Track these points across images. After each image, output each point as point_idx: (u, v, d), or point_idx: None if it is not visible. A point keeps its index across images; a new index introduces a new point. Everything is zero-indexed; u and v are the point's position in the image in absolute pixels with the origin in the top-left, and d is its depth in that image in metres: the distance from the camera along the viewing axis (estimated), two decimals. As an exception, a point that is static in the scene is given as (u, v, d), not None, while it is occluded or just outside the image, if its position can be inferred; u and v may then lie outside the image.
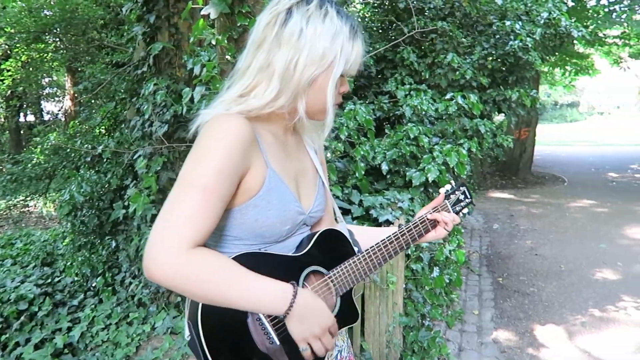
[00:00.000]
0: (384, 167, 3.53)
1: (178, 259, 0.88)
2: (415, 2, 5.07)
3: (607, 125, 34.83)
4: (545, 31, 5.15)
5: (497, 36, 5.14)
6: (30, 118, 16.71)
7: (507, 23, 5.01)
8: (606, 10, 10.12)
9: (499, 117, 5.77)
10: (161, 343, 3.27)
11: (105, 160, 4.29)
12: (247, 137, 1.00)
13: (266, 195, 1.05)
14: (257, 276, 0.98)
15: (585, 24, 9.92)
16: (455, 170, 3.44)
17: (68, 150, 5.07)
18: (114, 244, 4.07)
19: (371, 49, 4.97)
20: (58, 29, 7.38)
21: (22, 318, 3.50)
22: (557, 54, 10.21)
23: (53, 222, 8.12)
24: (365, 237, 1.36)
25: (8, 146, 13.94)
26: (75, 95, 9.45)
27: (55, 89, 14.67)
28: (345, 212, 3.03)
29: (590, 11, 10.44)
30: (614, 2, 10.06)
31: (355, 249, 1.28)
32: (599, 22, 9.99)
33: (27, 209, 8.51)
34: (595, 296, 4.37)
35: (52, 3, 7.63)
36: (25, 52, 8.71)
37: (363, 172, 3.23)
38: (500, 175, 12.07)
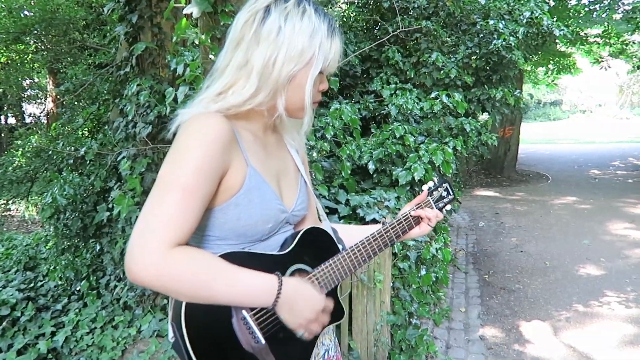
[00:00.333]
0: (371, 167, 3.54)
1: (160, 259, 0.86)
2: (399, 2, 5.09)
3: (589, 123, 35.39)
4: (528, 30, 5.21)
5: (481, 35, 5.18)
6: (12, 120, 16.42)
7: (491, 22, 5.06)
8: (587, 9, 10.28)
9: (483, 116, 5.83)
10: (147, 346, 3.23)
11: (88, 162, 4.22)
12: (226, 136, 1.00)
13: (247, 193, 1.05)
14: (242, 270, 0.97)
15: (566, 23, 10.07)
16: (441, 168, 3.46)
17: (50, 152, 4.99)
18: (98, 247, 4.02)
19: (356, 48, 4.98)
20: (38, 30, 7.25)
21: (4, 323, 3.43)
22: (539, 52, 10.35)
23: (36, 225, 8.00)
24: (349, 235, 1.36)
25: (-12, 149, 13.69)
26: (57, 96, 9.30)
27: (36, 90, 14.43)
28: (332, 211, 3.03)
29: (572, 10, 10.60)
30: (595, 2, 10.22)
31: (340, 246, 1.28)
32: (580, 21, 10.14)
33: (8, 212, 8.36)
34: (580, 292, 4.43)
35: (32, 3, 7.51)
36: (5, 53, 8.56)
37: (349, 172, 3.24)
38: (486, 173, 12.19)
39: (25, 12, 7.64)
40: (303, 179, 1.29)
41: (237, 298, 0.95)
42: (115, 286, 3.85)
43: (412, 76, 4.98)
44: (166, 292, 0.90)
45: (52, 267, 4.40)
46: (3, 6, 7.30)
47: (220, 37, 2.37)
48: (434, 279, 3.83)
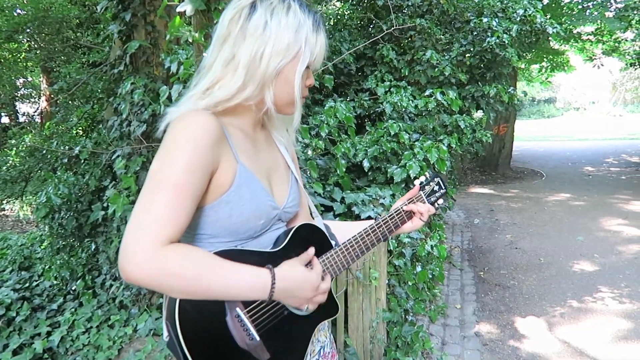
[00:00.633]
0: (366, 164, 3.55)
1: (153, 257, 0.87)
2: (393, 0, 5.09)
3: (583, 121, 35.54)
4: (521, 28, 5.22)
5: (475, 33, 5.19)
6: (5, 120, 16.31)
7: (484, 20, 5.07)
8: (580, 7, 10.32)
9: (478, 114, 5.85)
10: (144, 345, 3.23)
11: (82, 161, 4.20)
12: (215, 133, 1.00)
13: (237, 190, 1.05)
14: (236, 264, 0.97)
15: (559, 20, 10.11)
16: (436, 166, 3.47)
17: (44, 151, 4.96)
18: (93, 246, 4.00)
19: (350, 46, 4.98)
20: (31, 29, 7.21)
21: (-1, 324, 3.42)
22: (533, 50, 10.40)
23: (30, 225, 7.96)
24: (342, 231, 1.38)
25: (-18, 149, 13.59)
26: (51, 95, 9.25)
27: (30, 89, 14.34)
28: (327, 209, 3.03)
29: (565, 8, 10.63)
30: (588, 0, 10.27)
31: (333, 242, 1.28)
32: (573, 19, 10.18)
33: (3, 212, 8.32)
34: (574, 287, 4.46)
35: (24, 2, 7.46)
36: (-2, 52, 8.51)
37: (344, 169, 3.24)
38: (481, 170, 12.24)
39: (18, 11, 7.59)
40: (294, 175, 1.30)
41: (232, 291, 0.95)
42: (111, 285, 3.85)
43: (406, 74, 4.99)
44: (160, 289, 0.90)
45: (47, 267, 4.38)
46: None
47: (214, 35, 2.37)
48: (430, 276, 3.85)
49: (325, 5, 6.37)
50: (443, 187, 1.49)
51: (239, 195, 1.05)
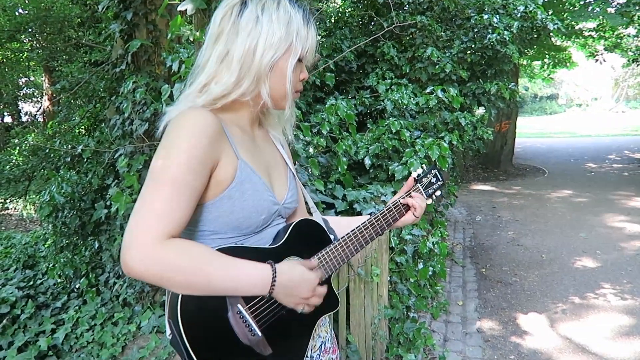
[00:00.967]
0: (367, 162, 3.56)
1: (154, 251, 0.89)
2: (394, -3, 5.09)
3: (586, 117, 35.45)
4: (522, 24, 5.21)
5: (476, 30, 5.19)
6: (8, 119, 16.35)
7: (485, 17, 5.06)
8: (581, 2, 10.29)
9: (480, 111, 5.84)
10: (147, 342, 3.25)
11: (85, 160, 4.23)
12: (214, 129, 1.02)
13: (239, 186, 1.07)
14: (237, 260, 0.99)
15: (561, 16, 10.08)
16: (437, 163, 3.47)
17: (47, 150, 4.98)
18: (96, 244, 4.03)
19: (351, 44, 4.98)
20: (33, 28, 7.23)
21: (4, 321, 3.44)
22: (535, 47, 10.37)
23: (34, 224, 7.99)
24: (341, 225, 1.39)
25: (-15, 148, 13.64)
26: (54, 95, 9.28)
27: (32, 89, 14.37)
28: (329, 206, 3.05)
29: (567, 4, 10.60)
30: (589, -5, 10.23)
31: (331, 236, 1.30)
32: (575, 15, 10.14)
33: (6, 211, 8.35)
34: (576, 284, 4.46)
35: (26, 1, 7.47)
36: (0, 52, 8.52)
37: (346, 167, 3.25)
38: (483, 167, 12.23)
39: (20, 10, 7.61)
40: (291, 172, 1.32)
41: (232, 285, 0.97)
42: (115, 283, 3.87)
43: (407, 71, 4.99)
44: (161, 282, 0.91)
45: (51, 265, 4.41)
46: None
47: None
48: (432, 273, 3.86)
49: (326, 3, 6.37)
50: (440, 179, 1.49)
51: (240, 191, 1.07)
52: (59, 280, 4.24)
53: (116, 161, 3.26)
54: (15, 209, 8.63)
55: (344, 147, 3.27)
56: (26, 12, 7.45)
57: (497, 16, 5.09)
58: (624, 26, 9.94)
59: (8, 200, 6.86)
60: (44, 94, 11.45)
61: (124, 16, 3.48)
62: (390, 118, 3.78)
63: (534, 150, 16.62)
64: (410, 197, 1.41)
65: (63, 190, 3.84)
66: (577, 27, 11.76)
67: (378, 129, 3.72)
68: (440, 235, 3.89)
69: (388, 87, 4.38)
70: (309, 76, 1.21)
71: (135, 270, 0.88)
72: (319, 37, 5.21)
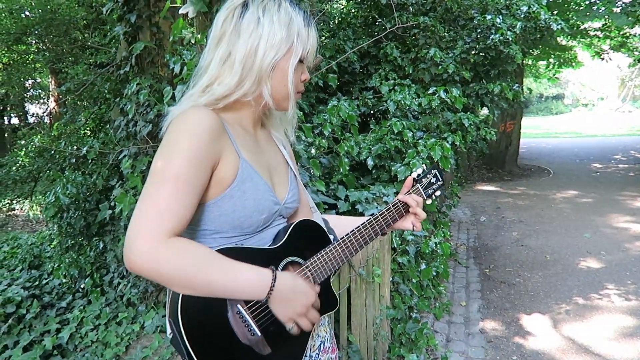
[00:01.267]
0: (370, 162, 3.56)
1: (156, 248, 0.90)
2: (397, -2, 5.10)
3: (591, 117, 35.25)
4: (526, 24, 5.20)
5: (479, 30, 5.19)
6: (15, 121, 16.48)
7: (488, 17, 5.06)
8: (587, 2, 10.24)
9: (484, 111, 5.83)
10: (151, 342, 3.28)
11: (90, 161, 4.26)
12: (215, 126, 1.04)
13: (240, 185, 1.08)
14: (237, 262, 1.00)
15: (566, 16, 10.04)
16: (440, 164, 3.48)
17: (53, 152, 5.02)
18: (101, 244, 4.06)
19: (355, 45, 4.99)
20: (39, 30, 7.28)
21: (10, 321, 3.48)
22: (539, 47, 10.33)
23: (40, 225, 8.05)
24: (341, 225, 1.40)
25: (-8, 150, 13.76)
26: (60, 96, 9.35)
27: (39, 91, 14.48)
28: (331, 206, 3.06)
29: (572, 4, 10.55)
30: (595, -5, 10.18)
31: (331, 237, 1.30)
32: (580, 14, 10.10)
33: (13, 212, 8.41)
34: (580, 285, 4.45)
35: (32, 4, 7.53)
36: (6, 54, 8.59)
37: (347, 168, 3.26)
38: (487, 168, 12.19)
39: (27, 13, 7.67)
40: (293, 172, 1.33)
41: (231, 288, 0.98)
42: (119, 283, 3.90)
43: (410, 72, 4.99)
44: (161, 280, 0.93)
45: (56, 265, 4.45)
46: (2, 7, 7.31)
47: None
48: (435, 274, 3.86)
49: (330, 4, 6.38)
50: (440, 179, 1.49)
51: (242, 190, 1.08)
52: (64, 280, 4.28)
53: (120, 162, 3.28)
54: (22, 209, 8.70)
55: (345, 148, 3.28)
56: (32, 14, 7.50)
57: (501, 16, 5.09)
58: (630, 26, 9.88)
59: (15, 201, 6.92)
60: (50, 96, 11.54)
61: (128, 18, 3.51)
62: (393, 119, 3.78)
63: (539, 151, 16.56)
64: (409, 196, 1.41)
65: (68, 191, 3.87)
66: (582, 27, 11.70)
67: (381, 129, 3.73)
68: (442, 235, 3.89)
69: (391, 87, 4.39)
70: (310, 77, 1.23)
71: (136, 265, 0.90)
72: (323, 38, 5.23)
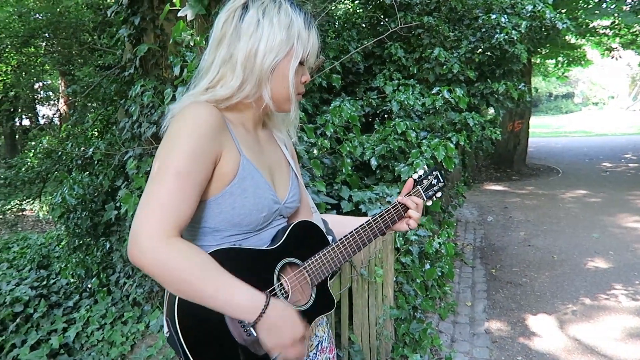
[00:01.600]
0: (373, 163, 3.56)
1: (159, 245, 0.91)
2: (401, -3, 5.09)
3: (602, 116, 34.88)
4: (531, 24, 5.17)
5: (483, 30, 5.16)
6: (26, 122, 16.66)
7: (493, 16, 5.03)
8: (595, 0, 10.15)
9: (491, 111, 5.80)
10: (155, 341, 3.30)
11: (96, 162, 4.30)
12: (216, 121, 1.05)
13: (241, 182, 1.09)
14: (234, 280, 0.98)
15: (575, 14, 9.95)
16: (444, 164, 3.47)
17: (60, 153, 5.08)
18: (107, 245, 4.10)
19: (359, 45, 4.99)
20: (47, 33, 7.37)
21: (18, 320, 3.53)
22: (546, 45, 10.24)
23: (50, 225, 8.13)
24: (342, 225, 1.40)
25: (3, 151, 13.95)
26: (69, 98, 9.45)
27: (49, 92, 14.64)
28: (333, 207, 3.06)
29: (580, 2, 10.46)
30: (604, -7, 10.08)
31: (329, 237, 1.30)
32: (589, 12, 10.01)
33: (22, 212, 8.52)
34: (587, 285, 4.41)
35: (40, 7, 7.61)
36: (16, 57, 8.70)
37: (350, 168, 3.26)
38: (495, 167, 12.12)
39: (36, 15, 7.75)
40: (294, 172, 1.33)
41: (221, 305, 0.96)
42: (125, 283, 3.93)
43: (414, 72, 4.98)
44: (159, 278, 0.94)
45: (64, 265, 4.50)
46: (10, 10, 7.40)
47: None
48: (439, 274, 3.84)
49: (335, 5, 6.38)
50: (442, 181, 1.48)
51: (242, 187, 1.09)
52: (71, 280, 4.33)
53: (126, 163, 3.31)
54: (32, 210, 8.80)
55: (348, 149, 3.28)
56: (40, 17, 7.58)
57: (505, 16, 5.06)
58: (639, 24, 9.78)
59: (24, 202, 7.00)
60: (60, 98, 11.66)
61: (132, 21, 3.54)
62: (397, 119, 3.78)
63: (548, 150, 16.43)
64: (408, 197, 1.40)
65: (75, 192, 3.92)
66: (591, 25, 11.59)
67: (384, 130, 3.72)
68: (447, 235, 3.88)
69: (395, 88, 4.38)
70: (313, 78, 1.23)
71: (139, 260, 0.91)
72: (329, 39, 5.23)
